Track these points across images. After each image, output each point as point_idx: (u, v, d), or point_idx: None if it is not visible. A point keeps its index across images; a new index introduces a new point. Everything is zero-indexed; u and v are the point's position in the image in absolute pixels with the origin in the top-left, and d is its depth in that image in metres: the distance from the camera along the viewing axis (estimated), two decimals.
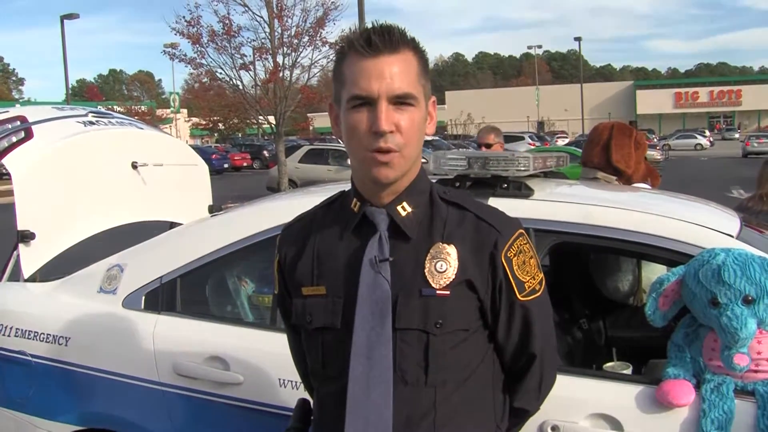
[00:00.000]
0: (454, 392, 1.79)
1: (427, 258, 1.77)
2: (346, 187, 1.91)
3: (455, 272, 1.76)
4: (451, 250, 1.77)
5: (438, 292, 1.75)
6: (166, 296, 2.97)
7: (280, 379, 2.65)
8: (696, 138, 60.45)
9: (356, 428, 1.74)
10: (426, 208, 1.82)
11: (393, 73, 1.70)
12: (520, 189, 2.73)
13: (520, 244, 1.84)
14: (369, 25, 1.76)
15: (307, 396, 2.08)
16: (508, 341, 1.86)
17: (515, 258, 1.82)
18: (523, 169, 2.70)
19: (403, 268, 1.76)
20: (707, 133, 66.76)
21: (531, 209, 2.65)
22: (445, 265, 1.76)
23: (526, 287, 1.84)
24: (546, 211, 2.65)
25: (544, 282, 1.91)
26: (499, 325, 1.84)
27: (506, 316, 1.83)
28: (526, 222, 2.60)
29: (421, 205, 1.81)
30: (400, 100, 1.71)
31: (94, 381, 2.98)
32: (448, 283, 1.76)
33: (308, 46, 24.05)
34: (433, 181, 2.80)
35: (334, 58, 1.83)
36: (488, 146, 5.80)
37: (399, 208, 1.79)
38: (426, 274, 1.76)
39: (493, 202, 2.68)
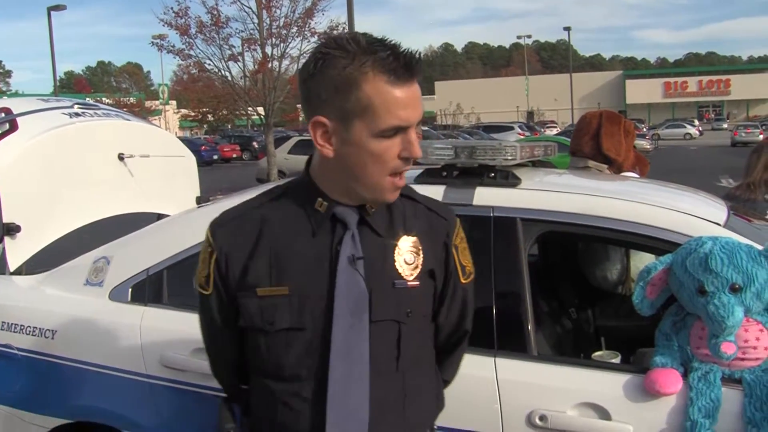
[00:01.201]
0: (416, 373, 1.87)
1: (396, 251, 1.82)
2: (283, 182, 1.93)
3: (421, 262, 1.83)
4: (415, 241, 1.84)
5: (409, 283, 1.81)
6: (153, 288, 2.95)
7: None
8: (685, 127, 60.65)
9: (337, 425, 1.75)
10: (384, 204, 1.85)
11: (420, 99, 1.73)
12: (507, 178, 2.72)
13: (461, 232, 1.97)
14: (377, 40, 1.69)
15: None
16: (447, 321, 1.97)
17: (460, 245, 1.95)
18: (510, 158, 2.69)
19: (373, 263, 1.78)
20: (696, 122, 66.96)
21: (518, 198, 2.65)
22: (412, 257, 1.82)
23: (467, 271, 1.97)
24: (533, 200, 2.64)
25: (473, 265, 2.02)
26: (442, 307, 1.94)
27: (449, 299, 1.94)
28: (514, 211, 2.61)
29: None
30: (418, 123, 1.74)
31: (81, 374, 2.95)
32: (417, 273, 1.82)
33: (297, 37, 24.00)
34: (420, 170, 2.84)
35: (318, 63, 1.68)
36: None
37: (367, 206, 1.81)
38: (397, 266, 1.81)
39: (481, 191, 2.68)
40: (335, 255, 1.77)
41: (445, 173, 2.78)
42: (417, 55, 1.69)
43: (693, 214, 2.53)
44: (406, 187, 1.89)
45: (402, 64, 1.65)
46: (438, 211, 1.92)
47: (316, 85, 1.70)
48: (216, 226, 1.87)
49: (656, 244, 2.47)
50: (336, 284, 1.75)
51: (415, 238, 1.83)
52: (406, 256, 1.81)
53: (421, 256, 1.83)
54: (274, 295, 1.78)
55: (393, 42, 1.70)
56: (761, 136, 42.32)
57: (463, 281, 1.95)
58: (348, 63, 1.65)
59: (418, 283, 1.81)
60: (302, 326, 1.77)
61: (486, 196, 2.66)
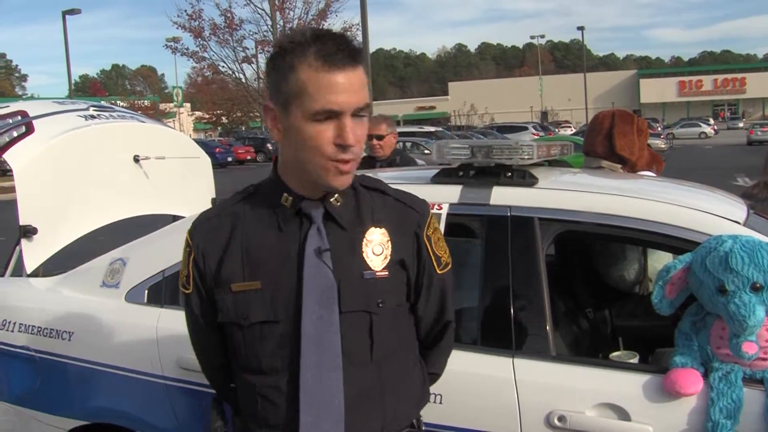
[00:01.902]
0: (393, 364, 1.91)
1: (363, 242, 1.87)
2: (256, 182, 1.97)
3: (390, 253, 1.88)
4: (383, 233, 1.89)
5: (378, 273, 1.86)
6: (169, 290, 2.95)
7: None
8: (700, 126, 60.27)
9: (310, 413, 1.80)
10: (352, 197, 1.90)
11: (357, 87, 1.75)
12: (524, 177, 2.70)
13: (434, 223, 2.01)
14: (318, 32, 1.76)
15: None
16: (426, 312, 2.01)
17: (433, 235, 1.98)
18: (527, 157, 2.68)
19: (341, 255, 1.84)
20: (711, 121, 66.42)
21: (536, 198, 2.63)
22: (380, 248, 1.87)
23: (442, 261, 2.00)
24: (551, 199, 2.62)
25: (450, 256, 2.05)
26: (420, 298, 1.98)
27: (426, 290, 1.98)
28: (532, 211, 2.60)
29: (348, 193, 1.89)
30: (359, 112, 1.76)
31: (97, 375, 2.96)
32: (385, 264, 1.87)
33: None
34: (437, 170, 2.83)
35: (272, 56, 1.79)
36: (380, 138, 5.70)
37: (332, 200, 1.86)
38: (365, 257, 1.86)
39: (498, 190, 2.66)
40: (302, 249, 1.82)
41: (461, 173, 2.77)
42: (351, 44, 1.75)
43: (712, 213, 2.50)
44: (377, 180, 1.98)
45: (333, 51, 1.71)
46: (408, 202, 1.96)
47: (269, 75, 1.82)
48: (193, 226, 1.95)
49: (675, 243, 2.45)
50: (303, 277, 1.80)
51: (383, 229, 1.88)
52: (374, 247, 1.86)
53: (390, 246, 1.87)
54: (247, 290, 1.84)
55: (339, 33, 1.78)
56: None
57: (439, 272, 1.98)
58: (291, 52, 1.74)
59: (387, 273, 1.86)
60: (276, 319, 1.83)
61: (503, 196, 2.64)
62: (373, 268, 1.85)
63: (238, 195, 1.95)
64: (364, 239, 1.86)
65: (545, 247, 2.58)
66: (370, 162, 5.79)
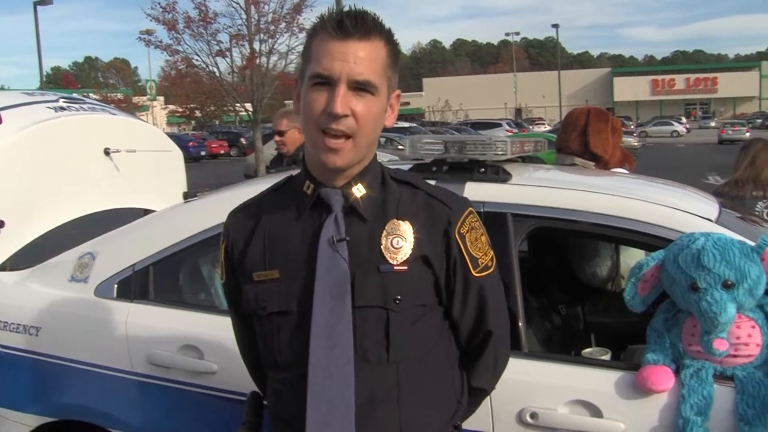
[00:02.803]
0: (415, 369, 1.80)
1: (383, 235, 1.78)
2: (295, 172, 1.93)
3: (411, 248, 1.78)
4: (406, 227, 1.79)
5: (396, 267, 1.76)
6: (139, 284, 2.92)
7: None
8: (673, 125, 60.75)
9: (318, 412, 1.73)
10: (379, 189, 1.83)
11: (358, 58, 1.70)
12: (497, 173, 2.70)
13: (472, 221, 1.88)
14: (346, 8, 1.74)
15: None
16: (463, 318, 1.89)
17: (468, 234, 1.85)
18: (500, 153, 2.67)
19: (359, 246, 1.77)
20: (684, 120, 67.05)
21: (509, 193, 2.62)
22: (401, 242, 1.78)
23: (480, 263, 1.87)
24: (524, 195, 2.62)
25: (495, 260, 1.94)
26: (454, 302, 1.86)
27: (462, 293, 1.86)
28: (505, 206, 2.59)
29: (374, 186, 1.83)
30: (360, 87, 1.71)
31: (66, 371, 2.92)
32: (405, 258, 1.77)
33: (285, 33, 23.86)
34: (410, 166, 2.82)
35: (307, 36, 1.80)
36: (281, 134, 5.58)
37: (354, 189, 1.80)
38: (383, 250, 1.77)
39: (471, 186, 2.65)
40: (316, 237, 1.77)
41: (434, 168, 2.76)
42: (367, 16, 1.72)
43: (685, 210, 2.51)
44: (409, 173, 1.92)
45: (337, 21, 1.70)
46: (440, 197, 1.85)
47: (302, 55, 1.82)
48: (228, 216, 1.95)
49: (648, 240, 2.45)
50: (316, 266, 1.75)
51: (406, 223, 1.79)
52: (394, 240, 1.78)
53: (412, 241, 1.78)
54: (267, 279, 1.81)
55: (364, 10, 1.75)
56: (747, 134, 42.65)
57: (476, 275, 1.85)
58: (316, 25, 1.76)
59: (406, 268, 1.76)
60: (288, 309, 1.79)
61: (476, 191, 2.63)
62: (390, 261, 1.76)
63: (274, 184, 1.93)
64: (384, 231, 1.78)
65: (518, 242, 2.57)
66: (278, 159, 5.71)
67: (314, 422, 1.73)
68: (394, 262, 1.76)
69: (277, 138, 5.58)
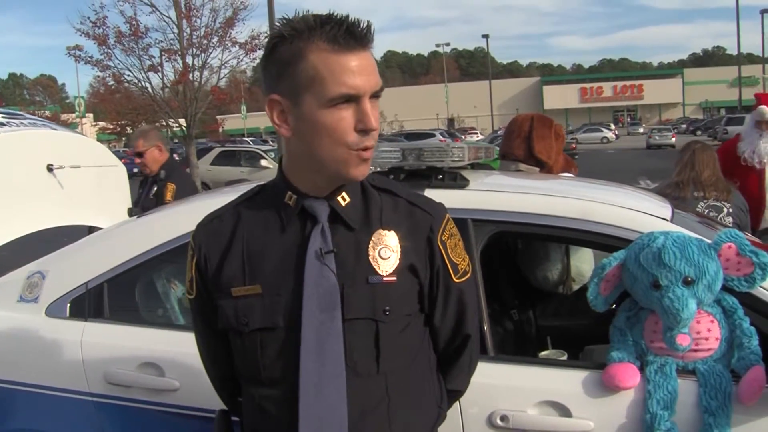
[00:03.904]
0: (403, 378, 1.78)
1: (370, 245, 1.75)
2: (261, 182, 1.88)
3: (399, 258, 1.75)
4: (392, 236, 1.76)
5: (385, 278, 1.73)
6: (93, 302, 2.84)
7: None
8: (602, 131, 62.04)
9: (310, 428, 1.69)
10: (360, 197, 1.79)
11: (371, 69, 1.66)
12: (455, 179, 2.71)
13: (450, 228, 1.87)
14: (327, 15, 1.66)
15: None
16: (443, 323, 1.88)
17: (449, 241, 1.85)
18: (458, 159, 2.69)
19: (346, 257, 1.73)
20: (612, 126, 68.58)
21: (468, 199, 2.64)
22: (388, 252, 1.75)
23: (459, 269, 1.86)
24: (484, 200, 2.64)
25: (471, 265, 1.94)
26: (436, 309, 1.85)
27: (443, 299, 1.85)
28: (465, 212, 2.60)
29: (355, 193, 1.79)
30: (376, 95, 1.68)
31: (17, 395, 2.82)
32: (393, 269, 1.74)
33: (218, 47, 23.68)
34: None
35: (272, 45, 1.68)
36: (140, 155, 5.56)
37: (339, 198, 1.75)
38: (371, 261, 1.74)
39: (429, 193, 2.63)
40: (303, 250, 1.72)
41: (392, 176, 2.75)
42: (364, 24, 1.66)
43: (642, 211, 2.56)
44: (387, 180, 1.88)
45: (344, 31, 1.62)
46: (421, 205, 1.84)
47: (270, 66, 1.69)
48: (196, 228, 1.85)
49: (608, 241, 2.49)
50: (304, 280, 1.70)
51: (392, 232, 1.76)
52: (382, 250, 1.74)
53: (399, 251, 1.75)
54: (248, 294, 1.74)
55: (345, 16, 1.67)
56: (673, 139, 43.96)
57: (456, 280, 1.85)
58: (296, 39, 1.64)
59: (394, 278, 1.74)
60: (274, 325, 1.72)
61: (436, 198, 2.63)
62: (379, 272, 1.73)
63: (243, 195, 1.85)
64: (371, 242, 1.74)
65: (479, 248, 2.58)
66: (144, 180, 5.68)
67: None
68: (384, 273, 1.73)
69: (137, 160, 5.53)
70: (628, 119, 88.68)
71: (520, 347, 3.26)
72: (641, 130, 68.17)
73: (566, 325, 3.48)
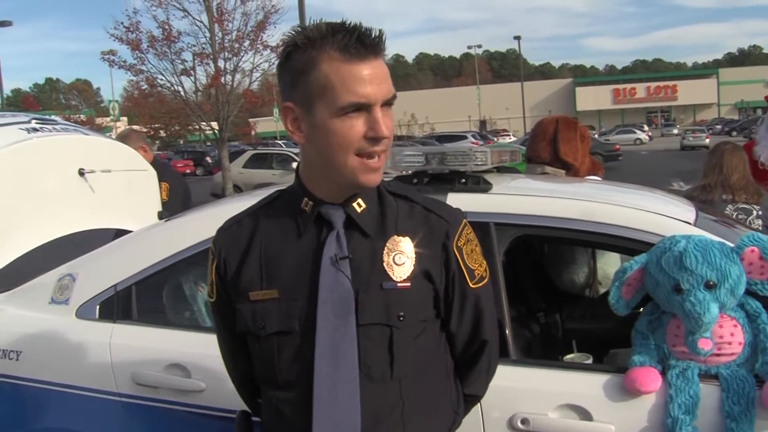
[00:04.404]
0: (417, 383, 1.80)
1: (385, 251, 1.77)
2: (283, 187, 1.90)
3: (413, 264, 1.77)
4: (407, 242, 1.78)
5: (399, 284, 1.75)
6: (122, 304, 2.89)
7: None
8: (635, 133, 61.46)
9: (324, 431, 1.71)
10: (376, 203, 1.81)
11: (383, 77, 1.68)
12: (478, 183, 2.72)
13: (467, 234, 1.88)
14: (339, 24, 1.69)
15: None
16: (460, 329, 1.89)
17: (465, 247, 1.85)
18: (480, 163, 2.70)
19: (360, 263, 1.75)
20: (646, 127, 67.90)
21: (491, 203, 2.65)
22: (403, 258, 1.76)
23: (476, 275, 1.87)
24: (506, 204, 2.65)
25: (488, 270, 1.94)
26: (452, 314, 1.86)
27: (459, 305, 1.86)
28: (487, 216, 2.61)
29: (372, 200, 1.80)
30: (388, 103, 1.69)
31: (48, 395, 2.88)
32: (407, 275, 1.76)
33: (249, 51, 23.83)
34: (390, 178, 2.83)
35: (287, 53, 1.71)
36: None
37: (354, 204, 1.78)
38: (385, 267, 1.76)
39: (452, 197, 2.67)
40: (318, 256, 1.74)
41: (416, 180, 2.77)
42: (375, 32, 1.67)
43: (665, 214, 2.55)
44: (404, 186, 1.91)
45: (355, 40, 1.64)
46: (437, 211, 1.85)
47: (285, 74, 1.73)
48: (216, 233, 1.89)
49: (631, 244, 2.48)
50: (319, 285, 1.73)
51: (407, 238, 1.78)
52: (396, 256, 1.76)
53: (414, 257, 1.77)
54: (266, 299, 1.77)
55: (357, 24, 1.68)
56: (707, 140, 43.39)
57: (472, 286, 1.86)
58: (309, 48, 1.67)
59: (409, 284, 1.75)
60: (290, 329, 1.75)
61: (458, 202, 2.64)
62: (393, 278, 1.74)
63: (262, 200, 1.89)
64: (386, 248, 1.76)
65: (502, 251, 2.59)
66: None
67: None
68: (398, 279, 1.75)
69: None
70: (662, 120, 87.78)
71: (546, 350, 3.26)
72: (675, 131, 67.41)
73: (592, 328, 3.46)
